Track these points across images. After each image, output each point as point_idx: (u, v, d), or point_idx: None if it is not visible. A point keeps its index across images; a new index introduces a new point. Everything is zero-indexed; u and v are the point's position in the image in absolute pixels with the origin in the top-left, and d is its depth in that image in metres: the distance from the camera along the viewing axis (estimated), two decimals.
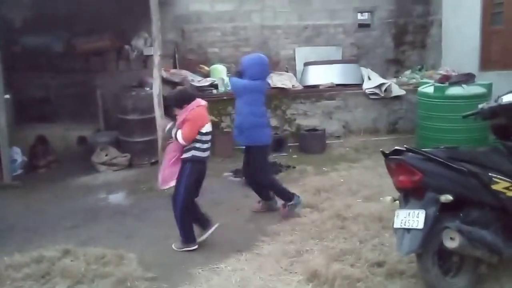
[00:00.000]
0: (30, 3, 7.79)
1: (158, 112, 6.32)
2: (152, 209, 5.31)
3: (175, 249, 4.28)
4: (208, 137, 4.29)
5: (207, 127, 4.25)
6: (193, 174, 4.23)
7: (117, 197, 5.84)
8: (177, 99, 4.24)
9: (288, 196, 5.00)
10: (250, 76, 4.87)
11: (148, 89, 7.38)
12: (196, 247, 4.30)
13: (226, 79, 8.35)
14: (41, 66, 8.69)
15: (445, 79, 7.13)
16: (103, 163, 7.04)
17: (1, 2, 6.57)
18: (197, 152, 4.21)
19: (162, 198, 5.19)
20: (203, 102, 4.30)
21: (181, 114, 4.17)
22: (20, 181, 6.46)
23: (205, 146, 4.27)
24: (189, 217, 4.33)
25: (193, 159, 4.21)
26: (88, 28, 8.54)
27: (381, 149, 3.56)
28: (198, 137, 4.18)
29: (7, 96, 6.74)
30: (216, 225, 4.47)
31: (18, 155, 6.86)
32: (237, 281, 3.70)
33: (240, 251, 4.20)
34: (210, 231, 4.43)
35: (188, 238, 4.31)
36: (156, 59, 6.48)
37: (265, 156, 5.06)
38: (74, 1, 8.47)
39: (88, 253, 4.06)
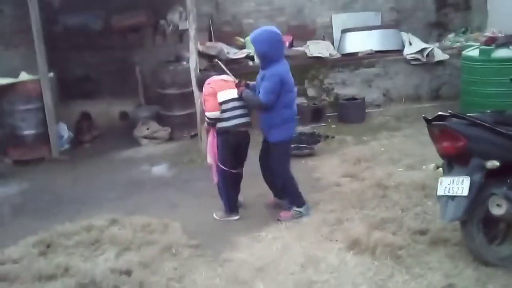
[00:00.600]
0: None
1: (196, 85, 6.36)
2: (193, 180, 5.42)
3: (216, 218, 4.37)
4: (228, 105, 4.22)
5: (222, 96, 4.22)
6: (223, 145, 4.26)
7: (159, 169, 5.98)
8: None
9: (298, 202, 4.36)
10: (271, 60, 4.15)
11: (185, 63, 7.43)
12: (237, 217, 4.38)
13: None
14: (81, 44, 8.88)
15: (491, 41, 6.81)
16: (145, 137, 7.21)
17: None
18: (221, 122, 4.23)
19: (203, 170, 5.29)
20: (214, 78, 4.38)
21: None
22: (67, 155, 6.73)
23: (228, 114, 4.22)
24: (230, 187, 4.36)
25: (219, 130, 4.25)
26: (124, 5, 8.62)
27: (423, 116, 3.46)
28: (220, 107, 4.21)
29: (51, 74, 6.94)
30: (236, 217, 4.42)
31: (65, 131, 7.14)
32: (278, 248, 3.76)
33: (280, 220, 4.24)
34: (230, 218, 4.40)
35: (229, 208, 4.38)
36: (192, 33, 6.50)
37: (286, 151, 4.40)
38: None
39: (134, 222, 4.22)
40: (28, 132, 6.56)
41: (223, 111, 4.21)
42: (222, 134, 4.26)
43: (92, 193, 5.26)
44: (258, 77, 4.28)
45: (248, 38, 8.73)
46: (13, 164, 6.49)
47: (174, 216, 4.43)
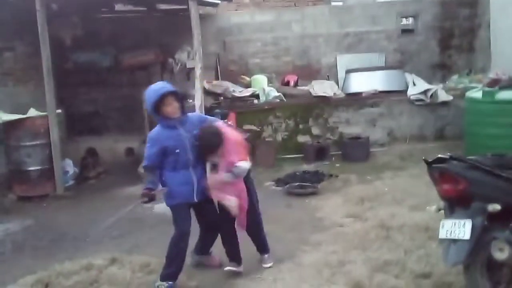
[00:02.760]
0: (79, 22, 8.18)
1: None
2: (194, 220, 5.37)
3: (268, 266, 4.13)
4: None
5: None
6: (254, 189, 4.28)
7: (161, 207, 5.95)
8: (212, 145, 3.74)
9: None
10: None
11: (191, 101, 7.54)
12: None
13: (267, 89, 8.41)
14: (90, 81, 9.10)
15: (494, 83, 6.86)
16: None
17: (52, 23, 6.93)
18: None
19: None
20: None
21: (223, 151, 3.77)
22: (71, 191, 6.76)
23: None
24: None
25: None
26: (133, 44, 8.86)
27: (423, 158, 3.46)
28: None
29: (59, 110, 7.07)
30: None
31: (70, 167, 7.19)
32: None
33: (281, 261, 4.19)
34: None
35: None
36: (198, 71, 6.62)
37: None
38: (119, 19, 8.85)
39: (133, 261, 4.18)
40: (34, 168, 6.62)
41: None
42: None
43: (94, 231, 5.23)
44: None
45: (254, 77, 8.97)
46: (17, 200, 6.53)
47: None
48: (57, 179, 6.66)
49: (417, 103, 8.19)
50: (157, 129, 3.74)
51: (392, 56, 9.58)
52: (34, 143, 6.61)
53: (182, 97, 3.86)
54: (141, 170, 7.29)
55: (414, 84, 8.51)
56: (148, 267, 4.09)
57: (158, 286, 3.67)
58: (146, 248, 4.60)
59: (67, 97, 8.36)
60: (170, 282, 3.68)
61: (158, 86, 3.71)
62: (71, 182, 7.05)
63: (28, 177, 6.61)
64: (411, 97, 8.21)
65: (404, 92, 8.38)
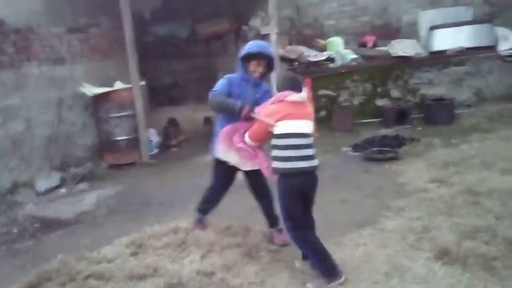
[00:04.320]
0: None
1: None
2: (274, 184, 5.44)
3: None
4: (287, 141, 3.23)
5: (283, 127, 3.23)
6: (284, 192, 3.32)
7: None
8: (279, 87, 3.40)
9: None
10: None
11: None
12: (341, 280, 3.30)
13: (343, 52, 8.17)
14: (169, 53, 9.38)
15: None
16: None
17: None
18: (276, 162, 3.30)
19: None
20: (293, 97, 3.26)
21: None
22: (156, 159, 7.14)
23: (286, 154, 3.23)
24: (312, 240, 3.40)
25: (277, 171, 3.32)
26: (208, 14, 8.95)
27: None
28: (274, 140, 3.29)
29: (142, 83, 7.39)
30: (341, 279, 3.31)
31: (154, 136, 7.58)
32: (361, 255, 3.65)
33: (362, 226, 4.13)
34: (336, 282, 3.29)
35: (325, 270, 3.33)
36: (273, 37, 6.56)
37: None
38: None
39: (216, 224, 4.33)
40: (122, 138, 7.05)
41: (279, 147, 3.27)
42: (282, 177, 3.32)
43: (178, 196, 5.52)
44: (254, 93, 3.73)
45: (329, 40, 8.72)
46: (108, 168, 7.03)
47: (255, 219, 4.47)
48: (143, 147, 7.05)
49: (508, 59, 7.55)
50: (235, 75, 3.80)
51: (481, 9, 8.85)
52: (121, 114, 7.01)
53: (271, 65, 3.77)
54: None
55: (506, 39, 7.81)
56: (229, 229, 4.22)
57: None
58: (227, 212, 4.74)
59: (148, 69, 8.70)
60: (201, 215, 4.23)
61: (260, 44, 3.72)
62: (155, 150, 7.45)
63: (117, 147, 7.05)
64: (502, 53, 7.58)
65: (494, 48, 7.75)
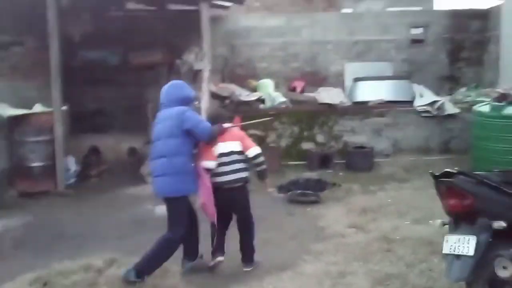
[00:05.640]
0: (89, 19, 8.18)
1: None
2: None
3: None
4: (222, 160, 3.98)
5: (218, 148, 4.00)
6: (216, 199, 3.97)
7: (162, 209, 5.90)
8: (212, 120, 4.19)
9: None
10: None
11: (197, 103, 7.51)
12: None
13: (274, 94, 8.39)
14: (97, 79, 9.07)
15: (502, 98, 6.81)
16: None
17: (62, 19, 6.92)
18: (213, 176, 4.00)
19: None
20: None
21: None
22: (73, 189, 6.74)
23: (220, 169, 3.98)
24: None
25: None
26: (142, 43, 8.85)
27: (430, 171, 3.42)
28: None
29: (65, 107, 7.06)
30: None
31: (73, 164, 7.18)
32: None
33: (282, 270, 4.14)
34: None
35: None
36: (206, 74, 6.59)
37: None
38: (129, 18, 8.85)
39: (133, 263, 4.13)
40: (37, 164, 6.63)
41: (218, 164, 4.00)
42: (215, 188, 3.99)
43: (94, 230, 5.22)
44: None
45: (260, 82, 8.93)
46: (18, 196, 6.49)
47: (174, 259, 4.30)
48: (59, 176, 6.64)
49: (423, 114, 8.15)
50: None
51: (401, 66, 9.54)
52: (38, 139, 6.62)
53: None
54: (143, 171, 7.29)
55: (422, 96, 8.47)
56: None
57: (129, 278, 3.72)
58: (143, 251, 4.55)
59: (73, 94, 8.32)
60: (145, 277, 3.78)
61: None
62: (73, 180, 7.03)
63: (31, 173, 6.61)
64: (418, 108, 8.17)
65: (411, 103, 8.34)
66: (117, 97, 9.07)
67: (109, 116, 9.13)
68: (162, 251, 3.88)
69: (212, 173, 3.98)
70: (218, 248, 4.15)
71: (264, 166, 4.18)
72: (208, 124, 4.01)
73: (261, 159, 4.14)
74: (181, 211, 3.93)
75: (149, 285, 3.77)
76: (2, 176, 6.67)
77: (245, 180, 4.16)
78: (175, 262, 4.23)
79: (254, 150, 4.10)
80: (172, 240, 3.89)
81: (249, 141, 4.18)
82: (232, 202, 4.12)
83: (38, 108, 6.84)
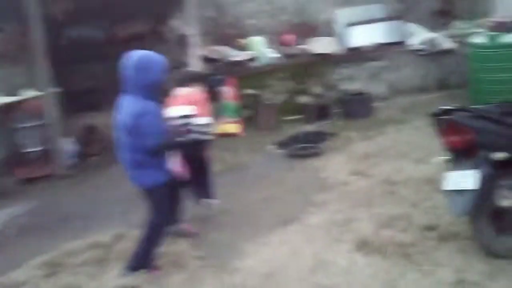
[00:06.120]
0: None
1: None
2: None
3: None
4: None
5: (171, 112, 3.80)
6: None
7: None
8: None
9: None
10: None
11: (188, 69, 7.40)
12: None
13: (265, 51, 8.23)
14: (86, 56, 8.92)
15: (499, 26, 6.63)
16: None
17: None
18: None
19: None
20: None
21: None
22: (74, 170, 6.72)
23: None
24: None
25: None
26: (127, 14, 8.64)
27: (430, 112, 3.38)
28: None
29: (56, 89, 6.96)
30: None
31: (71, 145, 7.13)
32: (286, 252, 3.70)
33: (287, 223, 4.17)
34: None
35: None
36: (194, 39, 6.40)
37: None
38: None
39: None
40: (33, 149, 6.58)
41: None
42: None
43: (98, 208, 5.23)
44: None
45: (250, 39, 8.74)
46: (19, 183, 6.42)
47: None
48: (57, 159, 6.60)
49: (419, 53, 7.98)
50: None
51: (392, 6, 9.26)
52: (31, 124, 6.54)
53: None
54: None
55: (415, 34, 8.26)
56: None
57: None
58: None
59: (63, 74, 8.20)
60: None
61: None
62: (73, 160, 7.01)
63: (28, 159, 6.57)
64: (413, 47, 7.99)
65: (405, 43, 8.15)
66: (108, 72, 8.90)
67: (103, 93, 9.02)
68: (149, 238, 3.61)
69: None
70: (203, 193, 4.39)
71: (207, 137, 3.89)
72: (157, 140, 3.42)
73: (209, 129, 3.86)
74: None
75: (158, 253, 3.80)
76: (1, 165, 6.67)
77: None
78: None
79: (206, 119, 3.85)
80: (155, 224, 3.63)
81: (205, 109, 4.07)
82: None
83: (28, 93, 6.74)
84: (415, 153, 5.28)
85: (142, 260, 3.54)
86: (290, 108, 7.92)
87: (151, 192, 3.60)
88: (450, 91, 7.62)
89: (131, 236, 4.19)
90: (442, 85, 8.01)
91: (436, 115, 3.35)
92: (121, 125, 3.51)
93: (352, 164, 5.24)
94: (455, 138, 3.23)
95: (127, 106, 3.47)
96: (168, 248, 3.93)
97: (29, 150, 6.58)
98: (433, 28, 8.77)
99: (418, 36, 8.20)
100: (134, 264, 3.54)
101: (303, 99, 7.91)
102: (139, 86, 3.43)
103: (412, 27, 8.51)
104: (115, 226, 4.47)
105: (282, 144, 6.26)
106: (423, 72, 8.04)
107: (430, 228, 3.66)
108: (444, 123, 3.29)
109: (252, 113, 7.84)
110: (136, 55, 3.53)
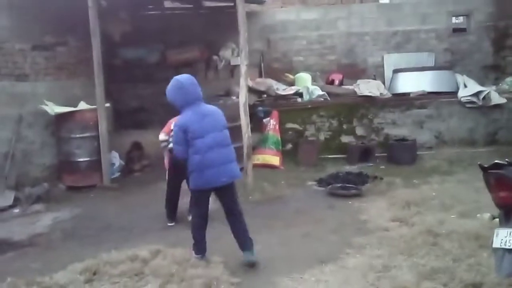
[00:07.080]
0: (128, 18, 8.36)
1: (244, 120, 6.43)
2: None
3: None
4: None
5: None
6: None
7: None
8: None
9: (196, 249, 4.21)
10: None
11: (234, 97, 7.57)
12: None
13: (311, 88, 8.33)
14: (137, 77, 9.28)
15: None
16: None
17: (103, 19, 7.11)
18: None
19: (248, 204, 5.28)
20: None
21: None
22: (117, 183, 6.93)
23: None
24: None
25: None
26: (179, 40, 8.97)
27: (479, 163, 3.31)
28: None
29: (108, 104, 7.25)
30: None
31: (116, 159, 7.38)
32: None
33: (324, 262, 4.11)
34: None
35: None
36: (243, 69, 6.61)
37: (195, 200, 4.28)
38: (167, 16, 8.98)
39: (177, 254, 4.21)
40: (83, 159, 6.84)
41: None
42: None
43: (138, 222, 5.36)
44: None
45: (298, 75, 8.89)
46: (66, 190, 6.75)
47: (216, 250, 4.39)
48: (104, 170, 6.84)
49: (468, 105, 7.90)
50: None
51: (442, 56, 9.28)
52: (83, 135, 6.82)
53: None
54: None
55: (465, 86, 8.20)
56: (190, 260, 4.11)
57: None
58: (189, 242, 4.62)
59: (115, 91, 8.56)
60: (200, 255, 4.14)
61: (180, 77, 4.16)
62: (117, 174, 7.24)
63: (77, 168, 6.83)
64: (462, 99, 7.92)
65: (454, 93, 8.10)
66: (157, 94, 9.21)
67: (149, 112, 9.31)
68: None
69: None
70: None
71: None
72: None
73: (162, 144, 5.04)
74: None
75: (194, 275, 3.82)
76: (51, 171, 6.93)
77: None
78: (215, 254, 4.28)
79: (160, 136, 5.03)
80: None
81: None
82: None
83: (82, 105, 7.04)
84: (460, 206, 5.15)
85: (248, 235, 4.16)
86: (332, 146, 7.95)
87: (234, 184, 4.12)
88: (498, 146, 7.48)
89: (168, 253, 4.25)
90: (490, 140, 7.87)
91: (486, 168, 3.28)
92: (218, 124, 4.06)
93: (393, 210, 5.15)
94: (505, 194, 3.14)
95: (210, 109, 4.12)
96: (204, 270, 3.95)
97: (78, 159, 6.82)
98: (483, 81, 8.71)
99: (468, 88, 8.12)
100: (250, 242, 4.15)
101: (346, 139, 7.92)
102: (200, 96, 4.09)
103: (462, 78, 8.45)
104: (153, 242, 4.53)
105: (322, 181, 6.25)
106: (471, 125, 7.93)
107: (474, 285, 3.52)
108: (494, 177, 3.21)
109: (293, 148, 7.89)
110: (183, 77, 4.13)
